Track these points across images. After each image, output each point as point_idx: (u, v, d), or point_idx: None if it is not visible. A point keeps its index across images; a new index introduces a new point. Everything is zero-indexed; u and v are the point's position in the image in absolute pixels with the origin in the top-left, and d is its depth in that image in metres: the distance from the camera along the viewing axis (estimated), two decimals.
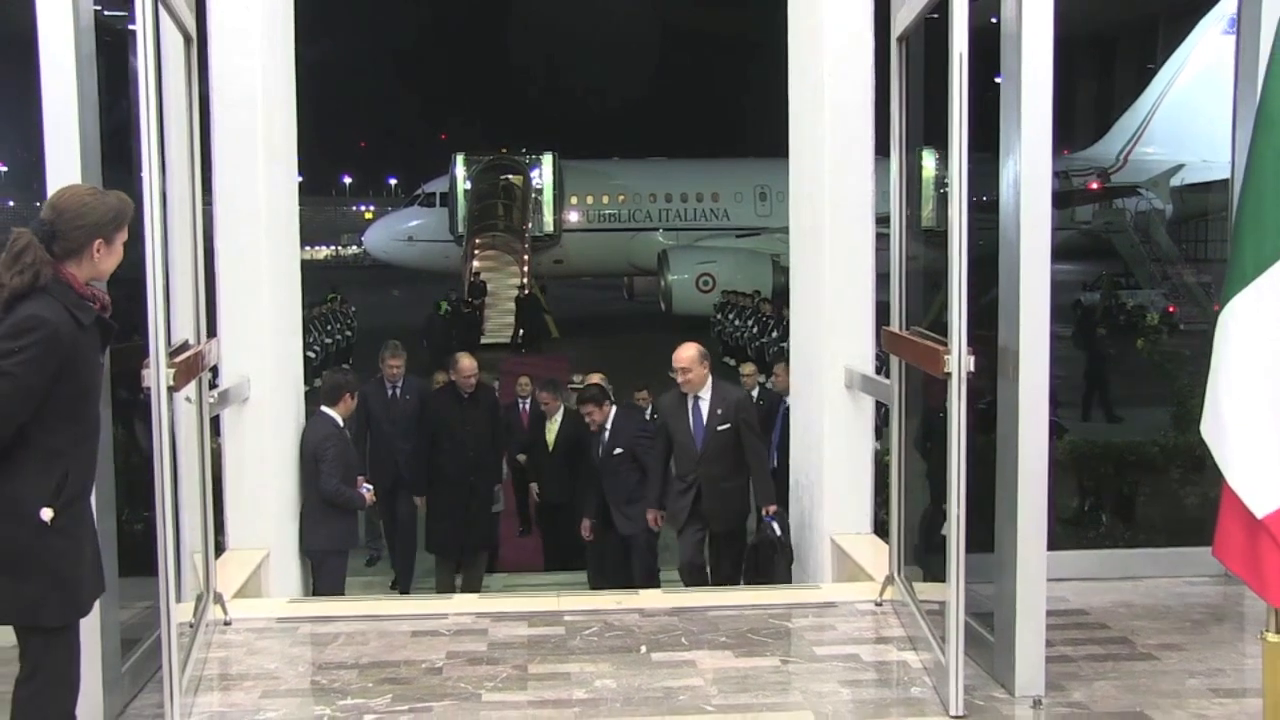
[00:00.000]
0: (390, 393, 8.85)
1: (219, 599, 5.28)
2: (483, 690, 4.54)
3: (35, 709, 3.31)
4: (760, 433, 7.33)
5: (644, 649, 4.98)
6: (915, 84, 5.20)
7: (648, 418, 8.40)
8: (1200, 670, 4.62)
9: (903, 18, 5.13)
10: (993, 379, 4.55)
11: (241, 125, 6.10)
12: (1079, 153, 34.59)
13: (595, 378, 9.27)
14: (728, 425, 6.85)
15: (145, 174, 4.02)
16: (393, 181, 62.30)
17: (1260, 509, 3.77)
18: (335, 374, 7.60)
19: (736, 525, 7.04)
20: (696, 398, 6.91)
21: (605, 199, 32.54)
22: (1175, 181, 28.24)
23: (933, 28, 4.86)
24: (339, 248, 59.03)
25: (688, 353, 6.93)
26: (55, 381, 3.17)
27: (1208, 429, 3.91)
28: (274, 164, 6.37)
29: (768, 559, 6.70)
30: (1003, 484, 4.47)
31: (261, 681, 4.70)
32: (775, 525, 6.70)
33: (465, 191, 30.97)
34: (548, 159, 31.94)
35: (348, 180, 66.85)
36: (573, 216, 32.41)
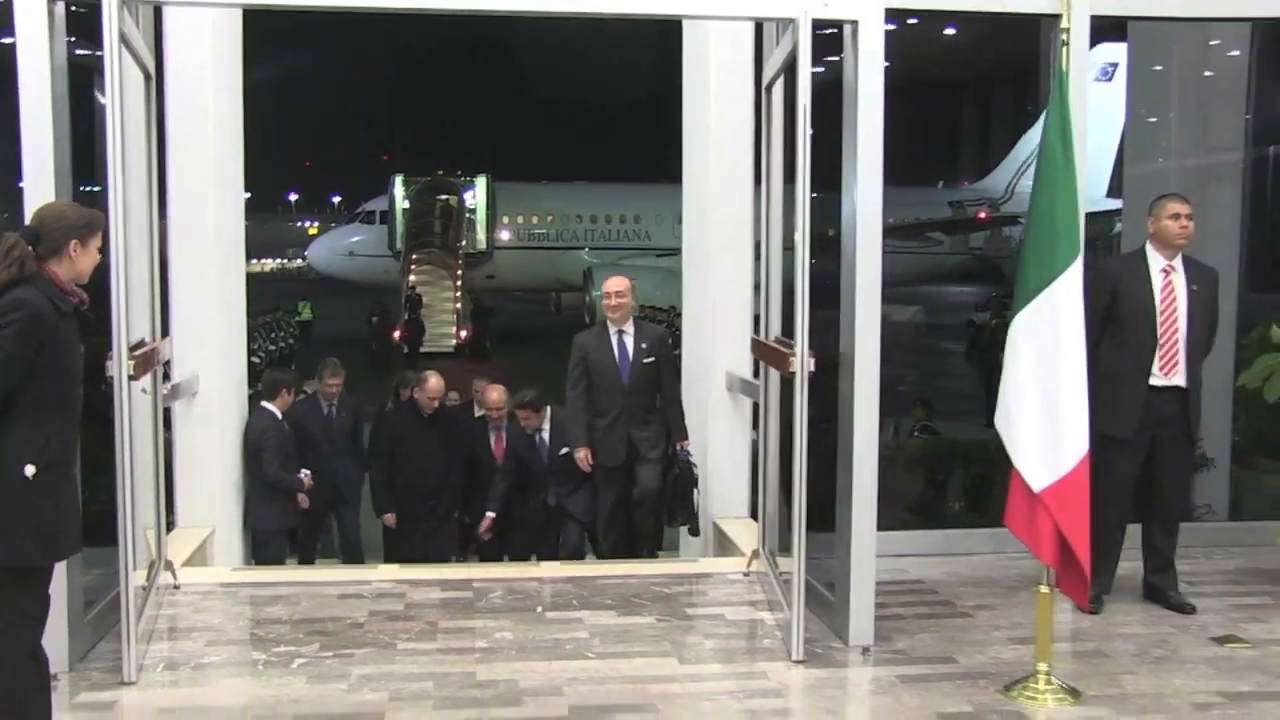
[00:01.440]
0: (326, 410, 8.07)
1: (169, 566, 5.67)
2: (398, 641, 5.00)
3: (10, 644, 3.72)
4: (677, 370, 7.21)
5: (540, 609, 5.46)
6: (780, 125, 5.73)
7: None
8: (1004, 624, 5.19)
9: (768, 70, 5.67)
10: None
11: (193, 150, 6.49)
12: (974, 184, 35.64)
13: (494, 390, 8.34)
14: (652, 359, 6.76)
15: (111, 192, 4.45)
16: (336, 199, 62.08)
17: (1037, 485, 4.37)
18: (274, 372, 8.04)
19: (657, 459, 6.80)
20: (620, 332, 6.78)
21: (535, 219, 32.98)
22: None
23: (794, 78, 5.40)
24: (284, 261, 58.89)
25: (621, 281, 6.85)
26: (38, 355, 3.59)
27: (999, 422, 4.51)
28: (223, 185, 6.76)
29: (686, 490, 6.83)
30: (841, 469, 5.01)
31: (206, 634, 5.12)
32: (691, 457, 6.87)
33: (404, 210, 31.26)
34: (481, 181, 32.33)
35: (293, 197, 66.57)
36: (504, 235, 32.82)
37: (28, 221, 3.81)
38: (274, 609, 5.44)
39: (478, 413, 8.78)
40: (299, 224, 62.64)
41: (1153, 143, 8.43)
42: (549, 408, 7.85)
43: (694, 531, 7.08)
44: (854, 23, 4.75)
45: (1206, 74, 7.86)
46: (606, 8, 5.16)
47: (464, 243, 30.95)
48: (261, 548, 7.32)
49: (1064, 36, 4.48)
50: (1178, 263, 5.20)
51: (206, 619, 5.34)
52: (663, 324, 25.02)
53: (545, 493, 7.55)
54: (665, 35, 8.15)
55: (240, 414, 7.24)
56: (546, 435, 7.61)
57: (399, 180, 31.47)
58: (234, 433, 7.08)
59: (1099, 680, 4.60)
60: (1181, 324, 5.14)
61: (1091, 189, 12.53)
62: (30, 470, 3.61)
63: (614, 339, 6.78)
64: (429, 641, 5.00)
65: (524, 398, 7.79)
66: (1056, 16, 4.66)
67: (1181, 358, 5.15)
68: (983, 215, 31.60)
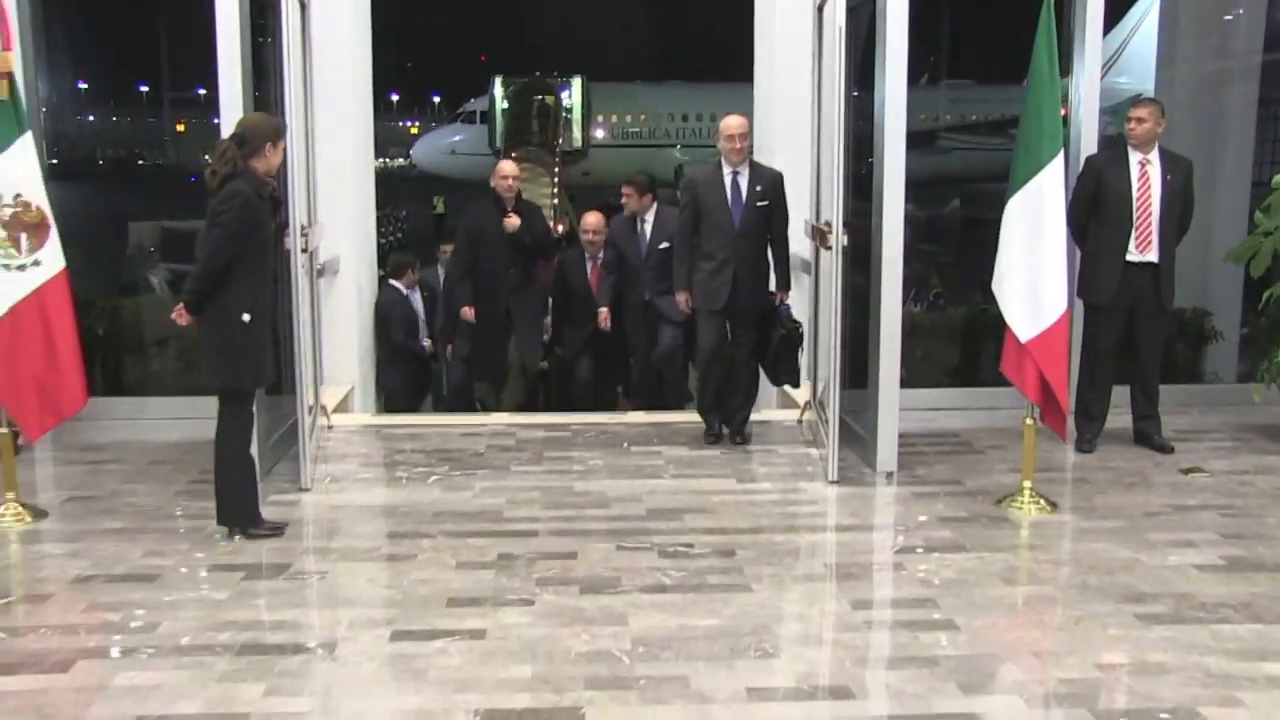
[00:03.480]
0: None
1: (324, 410, 6.93)
2: (511, 464, 6.20)
3: (233, 446, 4.97)
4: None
5: (625, 444, 6.61)
6: (830, 42, 6.61)
7: None
8: (1010, 459, 6.19)
9: None
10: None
11: (333, 66, 7.56)
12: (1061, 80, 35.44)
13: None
14: (766, 203, 6.40)
15: (290, 111, 5.59)
16: (436, 99, 62.97)
17: (1024, 336, 5.36)
18: (399, 254, 9.19)
19: (759, 311, 6.56)
20: (735, 172, 6.40)
21: (629, 118, 33.76)
22: None
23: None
24: (386, 160, 60.25)
25: (742, 121, 6.44)
26: (250, 231, 4.77)
27: (995, 287, 5.49)
28: (356, 95, 7.88)
29: (792, 351, 6.59)
30: (872, 329, 6.02)
31: (357, 459, 6.37)
32: (792, 312, 6.64)
33: (503, 110, 32.20)
34: (577, 82, 33.09)
35: (395, 98, 67.75)
36: (599, 134, 33.66)
37: (234, 129, 4.97)
38: (409, 444, 6.67)
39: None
40: (401, 124, 63.82)
41: (1180, 48, 9.15)
42: (655, 199, 7.70)
43: (795, 384, 6.86)
44: None
45: None
46: None
47: (560, 141, 31.83)
48: (390, 402, 8.57)
49: None
50: (1154, 155, 6.08)
51: (356, 449, 6.59)
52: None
53: (640, 287, 7.58)
54: None
55: (371, 290, 8.44)
56: (649, 226, 7.58)
57: (498, 81, 32.36)
58: (367, 306, 8.29)
59: (1076, 497, 5.63)
60: (1155, 208, 6.04)
61: (1144, 84, 13.03)
62: (246, 317, 4.82)
63: (727, 179, 6.39)
64: (536, 465, 6.19)
65: (634, 175, 7.79)
66: None
67: (1155, 237, 6.06)
68: (1066, 112, 31.57)
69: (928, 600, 4.36)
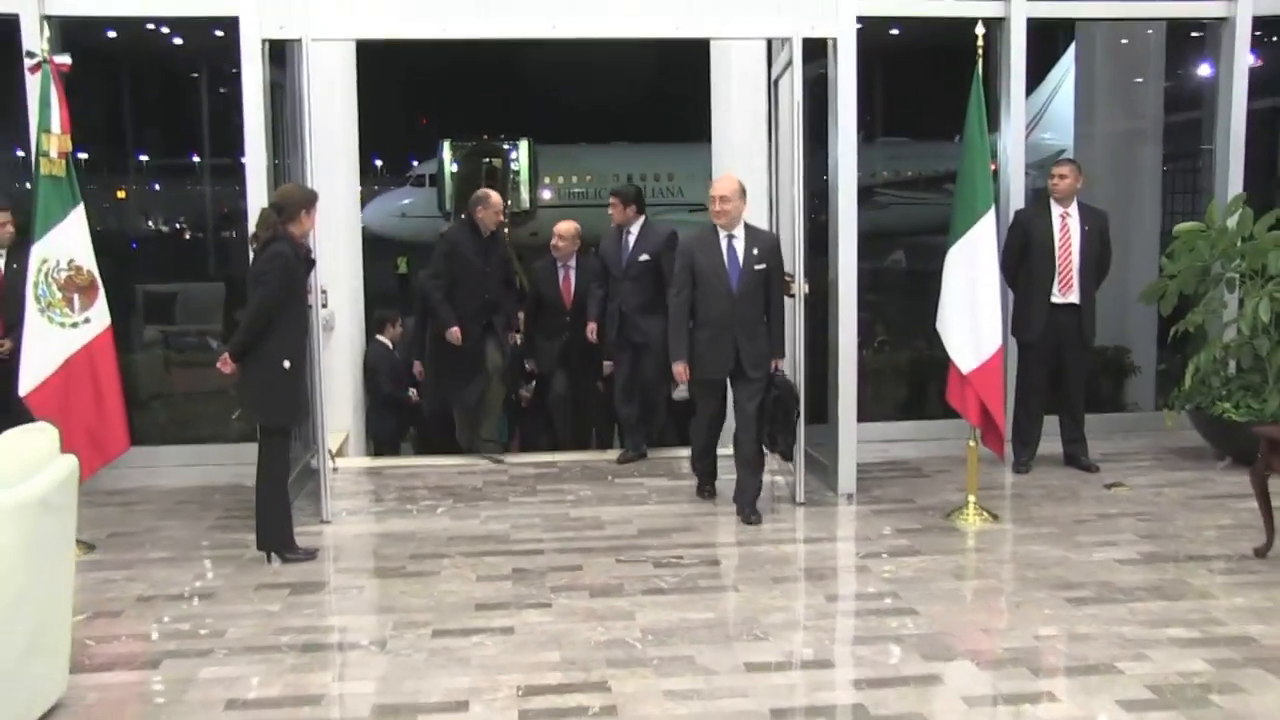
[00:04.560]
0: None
1: (331, 453, 7.55)
2: (509, 496, 6.87)
3: (272, 478, 5.60)
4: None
5: (610, 478, 7.30)
6: (785, 110, 7.43)
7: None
8: (955, 481, 6.91)
9: (776, 68, 7.37)
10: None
11: (329, 139, 8.25)
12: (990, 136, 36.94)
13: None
14: (763, 266, 6.27)
15: (308, 175, 6.30)
16: (378, 163, 63.56)
17: (965, 369, 6.15)
18: (382, 311, 9.87)
19: (763, 376, 6.33)
20: (730, 236, 6.29)
21: (574, 178, 34.69)
22: None
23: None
24: None
25: (729, 183, 6.31)
26: (289, 289, 5.45)
27: (939, 326, 6.28)
28: (348, 167, 8.62)
29: (787, 412, 6.41)
30: (830, 367, 6.79)
31: (368, 496, 7.02)
32: (786, 376, 6.51)
33: (452, 174, 32.99)
34: (524, 144, 34.00)
35: None
36: (546, 195, 34.54)
37: (273, 199, 5.66)
38: (412, 481, 7.31)
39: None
40: None
41: (1094, 110, 10.16)
42: (643, 212, 7.73)
43: (787, 456, 6.65)
44: (834, 39, 6.49)
45: (1123, 41, 9.64)
46: (636, 32, 6.73)
47: (510, 202, 32.60)
48: (379, 449, 9.20)
49: (979, 42, 6.17)
50: (1073, 209, 6.95)
51: (364, 487, 7.24)
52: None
53: (620, 300, 7.61)
54: None
55: (360, 345, 9.11)
56: (633, 238, 7.63)
57: (446, 145, 33.17)
58: (358, 358, 8.95)
59: (1015, 510, 6.41)
60: (1075, 255, 6.90)
61: (1065, 139, 13.96)
62: (287, 364, 5.48)
63: (723, 242, 6.29)
64: (532, 496, 6.86)
65: (621, 186, 7.96)
66: (1002, 20, 6.52)
67: (1075, 281, 6.91)
68: (994, 166, 32.96)
69: (890, 593, 5.09)
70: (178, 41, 9.56)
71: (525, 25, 6.61)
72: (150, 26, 8.57)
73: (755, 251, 6.28)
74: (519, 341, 8.20)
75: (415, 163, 35.41)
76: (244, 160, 6.38)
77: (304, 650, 4.56)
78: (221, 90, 20.64)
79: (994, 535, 6.00)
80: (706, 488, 6.81)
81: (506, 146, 34.00)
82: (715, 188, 6.35)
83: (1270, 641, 4.45)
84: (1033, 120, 34.51)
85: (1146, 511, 6.30)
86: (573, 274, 8.14)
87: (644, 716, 3.91)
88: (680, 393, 7.78)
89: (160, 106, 19.60)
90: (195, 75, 19.51)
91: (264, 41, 6.29)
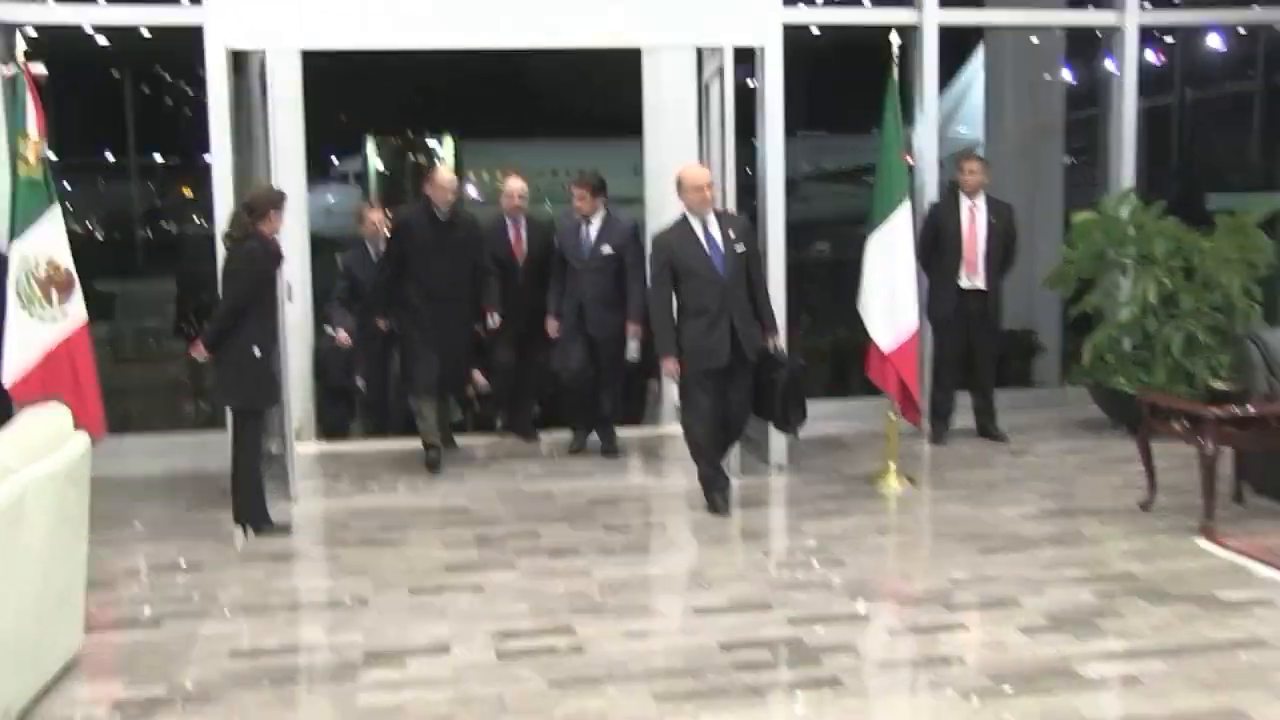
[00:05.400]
0: (374, 254, 8.29)
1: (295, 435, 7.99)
2: (464, 474, 7.36)
3: (246, 456, 6.05)
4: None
5: (556, 456, 7.83)
6: (715, 111, 8.01)
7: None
8: (877, 453, 7.41)
9: (707, 72, 7.94)
10: None
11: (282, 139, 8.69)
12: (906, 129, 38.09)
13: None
14: (743, 248, 6.25)
15: (275, 173, 6.75)
16: None
17: (885, 347, 6.79)
18: (327, 307, 10.27)
19: (757, 358, 6.31)
20: (705, 222, 6.23)
21: (499, 174, 35.11)
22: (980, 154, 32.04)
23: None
24: None
25: (704, 170, 6.41)
26: (259, 284, 5.90)
27: (860, 308, 6.91)
28: (296, 167, 9.02)
29: (799, 392, 6.38)
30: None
31: (328, 476, 7.46)
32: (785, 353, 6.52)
33: (377, 172, 33.23)
34: (448, 139, 34.33)
35: None
36: (471, 191, 34.89)
37: (244, 200, 6.12)
38: (367, 463, 7.77)
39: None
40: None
41: (1004, 106, 10.93)
42: (606, 202, 7.56)
43: (798, 425, 6.56)
44: (761, 48, 7.08)
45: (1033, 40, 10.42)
46: (571, 41, 7.16)
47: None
48: (331, 436, 9.61)
49: (894, 51, 6.82)
50: (980, 201, 7.62)
51: (325, 469, 7.69)
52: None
53: (579, 292, 7.47)
54: None
55: (310, 338, 9.52)
56: (594, 229, 7.51)
57: (371, 140, 33.38)
58: (308, 350, 9.38)
59: (932, 475, 7.07)
60: (981, 244, 7.57)
61: (978, 133, 14.77)
62: (257, 351, 5.94)
63: (699, 229, 6.24)
64: (485, 473, 7.38)
65: (584, 172, 7.66)
66: (914, 27, 7.20)
67: (981, 268, 7.58)
68: (908, 158, 34.08)
69: (820, 549, 5.70)
70: (103, 43, 9.73)
71: (474, 37, 7.07)
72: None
73: (731, 234, 6.24)
74: (498, 322, 7.65)
75: (335, 160, 35.71)
76: (210, 161, 6.80)
77: (293, 608, 5.06)
78: (145, 90, 20.82)
79: (913, 498, 6.64)
80: (719, 496, 6.40)
81: (430, 142, 34.37)
82: (696, 177, 6.25)
83: (1147, 577, 5.14)
84: (948, 114, 35.86)
85: (1049, 475, 6.99)
86: (523, 230, 7.89)
87: (608, 653, 4.47)
88: (632, 353, 7.67)
89: (86, 107, 19.70)
90: (117, 76, 19.61)
91: (228, 51, 6.72)
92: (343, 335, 8.41)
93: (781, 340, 6.56)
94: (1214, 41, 12.15)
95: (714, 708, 3.98)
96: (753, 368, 6.30)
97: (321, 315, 9.90)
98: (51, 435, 4.21)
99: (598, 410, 7.81)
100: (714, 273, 6.17)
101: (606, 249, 7.51)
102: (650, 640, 4.59)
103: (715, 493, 6.39)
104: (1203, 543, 5.59)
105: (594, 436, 7.86)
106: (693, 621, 4.80)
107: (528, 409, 8.49)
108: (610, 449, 7.76)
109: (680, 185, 6.28)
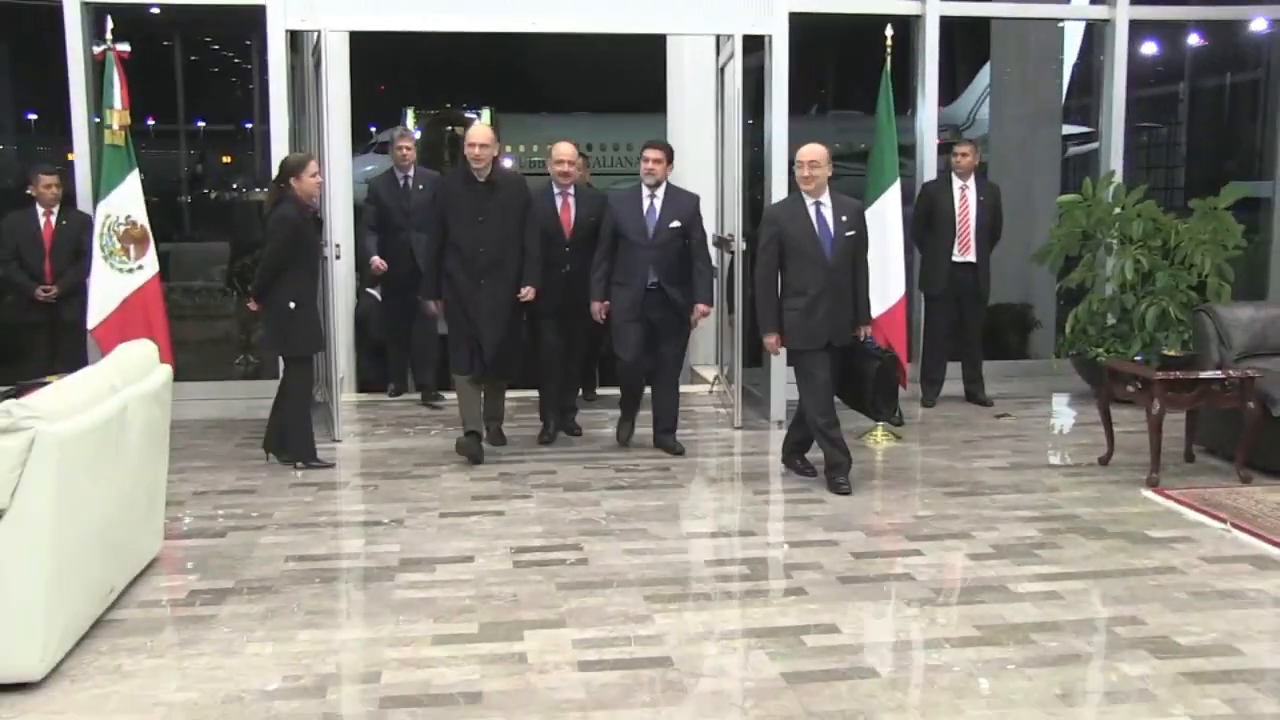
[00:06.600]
0: (402, 183, 8.53)
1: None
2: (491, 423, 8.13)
3: (295, 397, 6.84)
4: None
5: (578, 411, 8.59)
6: (729, 93, 8.73)
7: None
8: None
9: (721, 58, 8.67)
10: None
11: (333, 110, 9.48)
12: (944, 109, 38.53)
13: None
14: (853, 232, 6.27)
15: (326, 151, 7.51)
16: None
17: (874, 313, 7.47)
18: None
19: (846, 345, 6.40)
20: (818, 203, 6.23)
21: (535, 147, 35.82)
22: None
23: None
24: None
25: (817, 149, 6.23)
26: (295, 245, 6.63)
27: None
28: (344, 134, 9.80)
29: (892, 383, 6.64)
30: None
31: (368, 422, 8.27)
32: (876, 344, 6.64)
33: (416, 141, 33.97)
34: (486, 113, 35.06)
35: None
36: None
37: (279, 164, 6.87)
38: (402, 410, 8.57)
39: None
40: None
41: (1007, 95, 11.59)
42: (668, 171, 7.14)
43: (893, 416, 7.16)
44: (769, 35, 7.77)
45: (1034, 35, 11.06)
46: (592, 26, 7.91)
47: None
48: (369, 390, 10.42)
49: (888, 45, 7.51)
50: (971, 182, 8.31)
51: (365, 415, 8.49)
52: None
53: (646, 269, 7.04)
54: None
55: (352, 299, 10.32)
56: (659, 202, 7.11)
57: (410, 113, 34.16)
58: (350, 310, 10.18)
59: (916, 434, 7.78)
60: (972, 221, 8.25)
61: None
62: (292, 305, 6.69)
63: (811, 210, 6.24)
64: (510, 423, 8.08)
65: (661, 141, 7.32)
66: (918, 17, 7.89)
67: (972, 243, 8.26)
68: (939, 141, 34.53)
69: (806, 489, 6.44)
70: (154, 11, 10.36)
71: (510, 21, 7.83)
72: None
73: (844, 218, 6.23)
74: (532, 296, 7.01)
75: (374, 130, 36.55)
76: (253, 128, 7.59)
77: (337, 526, 5.86)
78: (195, 59, 21.65)
79: (896, 451, 7.37)
80: (841, 478, 6.37)
81: (470, 115, 35.09)
82: (805, 154, 6.21)
83: (1090, 519, 5.86)
84: (974, 106, 36.21)
85: (1023, 435, 7.70)
86: (571, 201, 7.35)
87: (608, 564, 5.23)
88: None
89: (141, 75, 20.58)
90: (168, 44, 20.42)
91: (287, 31, 7.49)
92: (377, 261, 8.34)
93: (871, 330, 6.58)
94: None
95: (695, 608, 4.73)
96: (839, 354, 6.35)
97: (363, 280, 10.71)
98: (144, 363, 5.00)
99: (655, 418, 7.42)
100: (821, 255, 6.19)
101: (675, 223, 7.05)
102: (645, 556, 5.34)
103: (839, 476, 6.37)
104: (1147, 493, 6.28)
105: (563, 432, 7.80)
106: (684, 543, 5.56)
107: (571, 404, 7.98)
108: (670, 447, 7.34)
109: (795, 163, 6.34)
